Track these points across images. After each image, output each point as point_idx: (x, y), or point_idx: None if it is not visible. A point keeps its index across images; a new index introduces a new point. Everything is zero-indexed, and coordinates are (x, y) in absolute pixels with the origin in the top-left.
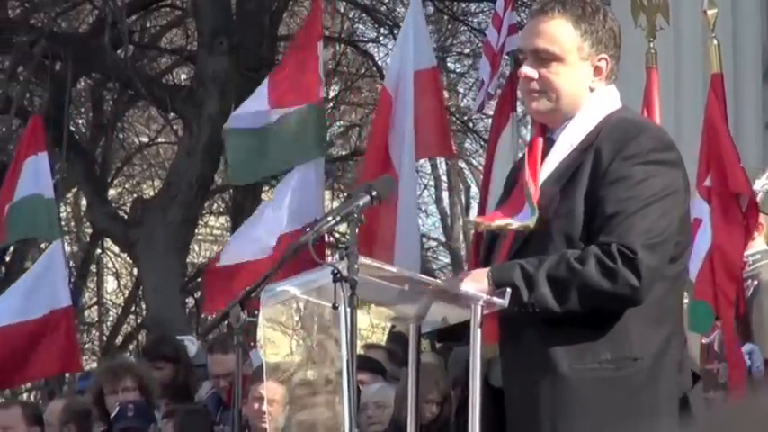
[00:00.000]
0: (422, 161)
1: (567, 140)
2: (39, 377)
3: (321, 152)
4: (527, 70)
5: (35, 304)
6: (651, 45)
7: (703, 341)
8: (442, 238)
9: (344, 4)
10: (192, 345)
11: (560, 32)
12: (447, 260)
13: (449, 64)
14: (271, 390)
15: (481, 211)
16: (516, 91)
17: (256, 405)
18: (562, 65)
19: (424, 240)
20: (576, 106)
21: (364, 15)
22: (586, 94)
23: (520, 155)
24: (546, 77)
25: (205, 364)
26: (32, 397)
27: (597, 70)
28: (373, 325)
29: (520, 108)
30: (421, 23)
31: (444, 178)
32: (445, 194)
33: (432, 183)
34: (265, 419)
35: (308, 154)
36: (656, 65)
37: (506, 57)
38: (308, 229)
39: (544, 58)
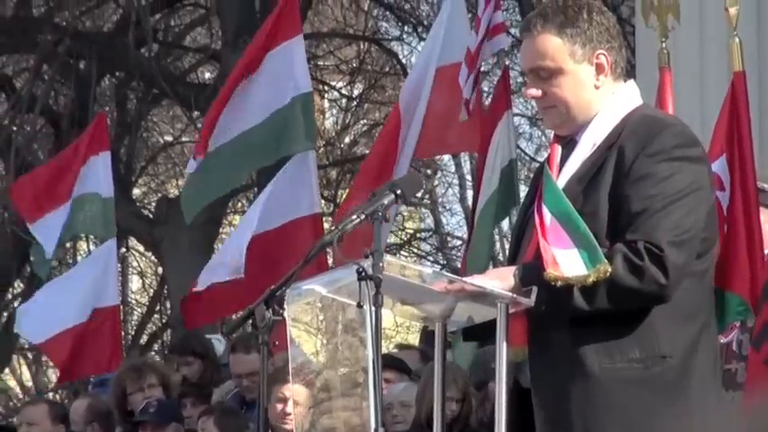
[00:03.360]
0: (447, 160)
1: (590, 139)
2: (87, 374)
3: (310, 143)
4: (531, 91)
5: (88, 302)
6: (663, 45)
7: (722, 340)
8: (467, 237)
9: (368, 2)
10: (219, 344)
11: (548, 46)
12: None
13: None
14: (295, 391)
15: (474, 204)
16: (510, 88)
17: (280, 406)
18: (561, 76)
19: (449, 239)
20: (589, 109)
21: (388, 13)
22: (594, 94)
23: (515, 150)
24: (549, 92)
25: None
26: (58, 396)
27: (599, 68)
28: (398, 324)
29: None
30: (456, 17)
31: (468, 177)
32: (470, 193)
33: (456, 181)
34: (288, 421)
35: (296, 147)
36: (669, 64)
37: (496, 56)
38: (333, 227)
39: (542, 75)
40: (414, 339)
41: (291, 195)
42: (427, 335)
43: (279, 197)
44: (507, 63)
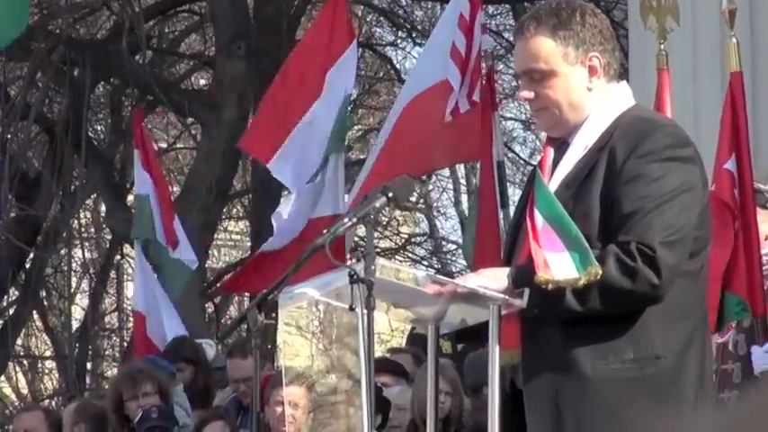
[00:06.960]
0: None
1: (582, 141)
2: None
3: (342, 145)
4: (524, 93)
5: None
6: (662, 47)
7: (718, 340)
8: (461, 241)
9: (362, 7)
10: (210, 348)
11: (541, 48)
12: (465, 263)
13: None
14: (293, 394)
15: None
16: (495, 91)
17: (279, 409)
18: (554, 78)
19: (444, 243)
20: (582, 111)
21: (382, 19)
22: (586, 96)
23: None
24: (542, 94)
25: (223, 368)
26: (53, 403)
27: (592, 70)
28: (393, 328)
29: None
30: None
31: (463, 181)
32: (464, 197)
33: (450, 185)
34: (287, 423)
35: (338, 147)
36: (667, 66)
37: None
38: (324, 231)
39: (535, 77)
40: None
41: (322, 194)
42: (413, 337)
43: (313, 195)
44: (491, 64)
